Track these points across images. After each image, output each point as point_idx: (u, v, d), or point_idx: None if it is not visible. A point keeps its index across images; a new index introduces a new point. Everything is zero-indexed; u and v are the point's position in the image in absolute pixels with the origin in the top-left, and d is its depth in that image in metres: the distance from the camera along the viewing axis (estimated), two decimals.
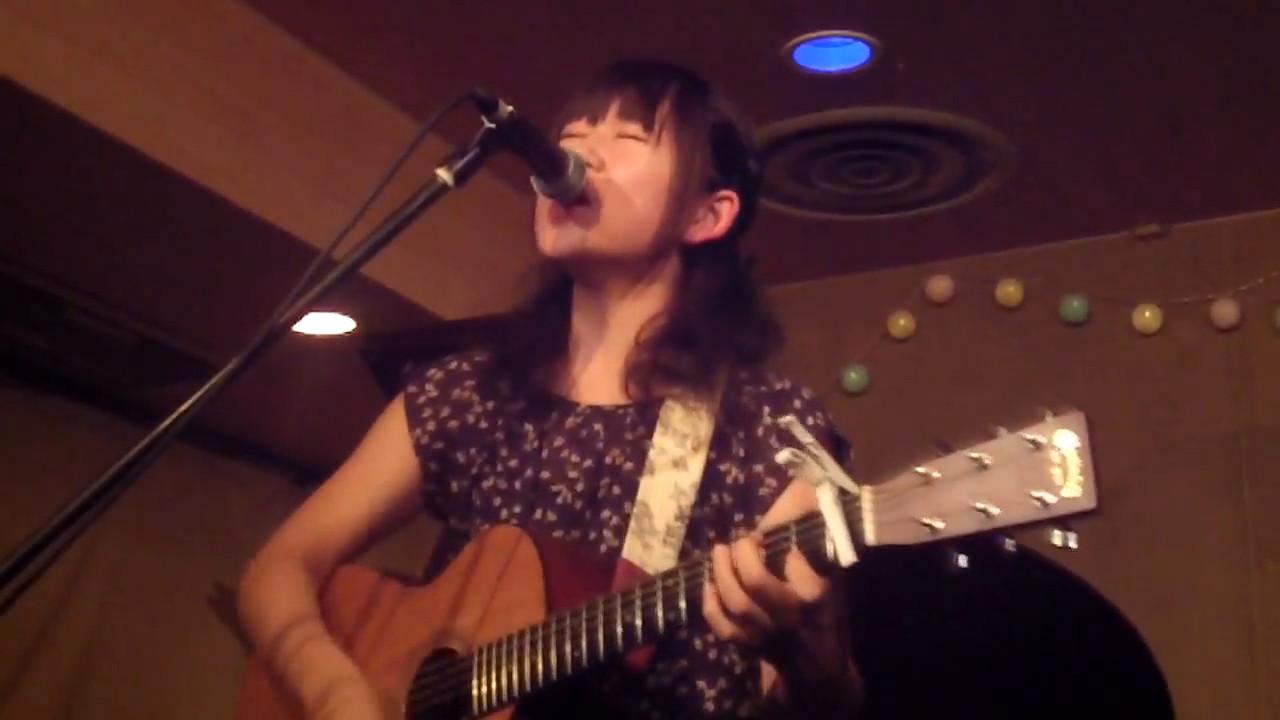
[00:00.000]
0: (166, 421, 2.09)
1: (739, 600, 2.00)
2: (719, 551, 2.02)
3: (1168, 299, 6.39)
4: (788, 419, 1.98)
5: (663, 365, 2.49)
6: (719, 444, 2.46)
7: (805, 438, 1.95)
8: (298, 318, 2.22)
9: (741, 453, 2.47)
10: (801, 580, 1.97)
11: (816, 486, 1.94)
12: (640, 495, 2.43)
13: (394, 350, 3.93)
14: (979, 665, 4.12)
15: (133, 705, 6.92)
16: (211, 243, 5.43)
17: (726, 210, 2.59)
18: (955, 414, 6.33)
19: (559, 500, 2.48)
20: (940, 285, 6.74)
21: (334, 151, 5.42)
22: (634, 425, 2.50)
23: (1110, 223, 6.45)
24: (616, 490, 2.46)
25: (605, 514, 2.45)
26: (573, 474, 2.49)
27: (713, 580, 2.03)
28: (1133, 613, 4.23)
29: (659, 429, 2.47)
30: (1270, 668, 5.95)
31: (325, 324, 5.98)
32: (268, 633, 2.56)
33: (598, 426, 2.52)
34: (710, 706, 2.41)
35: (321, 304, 2.25)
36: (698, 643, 2.42)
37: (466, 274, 5.76)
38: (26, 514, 2.19)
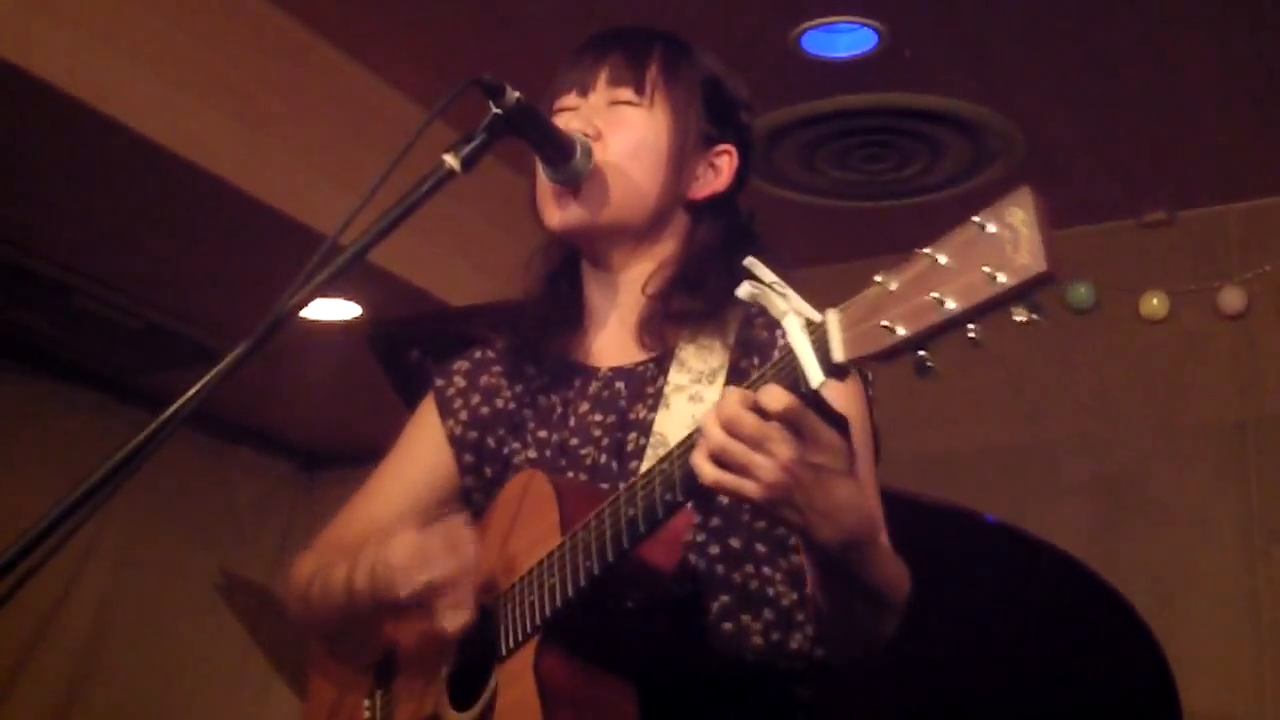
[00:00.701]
0: (173, 407, 2.10)
1: (718, 438, 1.95)
2: (707, 415, 1.98)
3: (1175, 286, 6.39)
4: (750, 260, 1.96)
5: (674, 311, 2.50)
6: (735, 376, 2.45)
7: (768, 275, 1.93)
8: (304, 303, 2.22)
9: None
10: (776, 400, 1.92)
11: (782, 319, 1.91)
12: (656, 428, 2.43)
13: (401, 337, 3.92)
14: (980, 653, 4.11)
15: (138, 691, 6.91)
16: (218, 229, 5.43)
17: (726, 164, 2.60)
18: (963, 402, 6.33)
19: (586, 460, 2.49)
20: None
21: (341, 138, 5.41)
22: (654, 377, 2.51)
23: (1117, 210, 6.44)
24: (642, 441, 2.45)
25: (633, 464, 2.44)
26: (597, 433, 2.50)
27: (706, 438, 1.98)
28: (1138, 600, 4.21)
29: (673, 369, 2.48)
30: (1276, 655, 5.95)
31: (332, 310, 5.98)
32: (301, 592, 2.58)
33: (619, 385, 2.53)
34: (759, 640, 2.39)
35: (328, 290, 2.25)
36: (736, 576, 2.41)
37: (474, 260, 5.76)
38: (32, 497, 2.20)
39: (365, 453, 2.83)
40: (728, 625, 2.39)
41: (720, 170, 2.60)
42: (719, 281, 2.49)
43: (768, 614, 2.41)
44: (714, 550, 2.40)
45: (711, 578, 2.40)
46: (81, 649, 6.73)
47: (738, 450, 1.95)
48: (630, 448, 2.46)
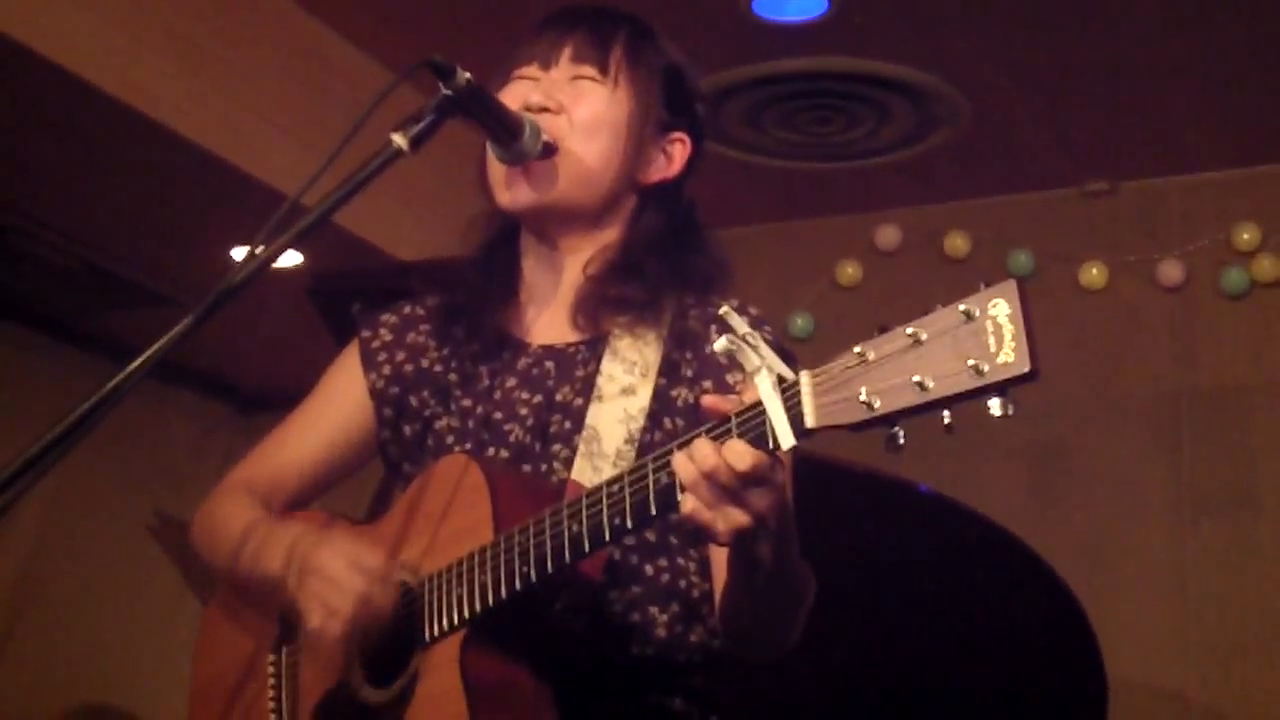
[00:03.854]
0: (131, 366, 2.11)
1: (699, 488, 1.97)
2: (679, 455, 1.99)
3: (1114, 257, 6.43)
4: (725, 309, 1.96)
5: (610, 296, 2.51)
6: (668, 370, 2.47)
7: (741, 327, 1.93)
8: (253, 277, 2.21)
9: (690, 374, 2.48)
10: (745, 460, 1.94)
11: (754, 374, 1.92)
12: (589, 421, 2.44)
13: (342, 290, 3.92)
14: (908, 623, 4.14)
15: (70, 633, 6.90)
16: (162, 175, 5.40)
17: (679, 152, 2.61)
18: None
19: (510, 438, 2.49)
20: (888, 235, 6.76)
21: (288, 88, 5.39)
22: (585, 362, 2.51)
23: (1060, 179, 6.48)
24: (567, 425, 2.46)
25: (556, 448, 2.46)
26: (523, 411, 2.50)
27: (680, 484, 2.00)
28: (1067, 568, 4.25)
29: (607, 357, 2.48)
30: (1202, 625, 6.01)
31: None
32: (225, 545, 2.57)
33: (549, 364, 2.54)
34: (662, 632, 2.42)
35: (273, 258, 2.24)
36: (649, 569, 2.44)
37: (418, 213, 5.74)
38: None
39: (303, 396, 2.83)
40: (635, 616, 2.42)
41: (673, 158, 2.61)
42: (659, 270, 2.51)
43: (675, 607, 2.44)
44: (630, 541, 2.42)
45: (626, 569, 2.42)
46: (11, 591, 6.71)
47: (714, 498, 1.98)
48: (554, 429, 2.47)
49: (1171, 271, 6.33)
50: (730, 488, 1.96)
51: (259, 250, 2.20)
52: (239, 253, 5.66)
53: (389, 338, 2.68)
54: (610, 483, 2.12)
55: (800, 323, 6.74)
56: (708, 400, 2.03)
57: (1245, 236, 6.25)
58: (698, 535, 2.36)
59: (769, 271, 6.72)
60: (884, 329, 1.85)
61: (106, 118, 4.91)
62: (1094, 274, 6.43)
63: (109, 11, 4.80)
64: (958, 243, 6.64)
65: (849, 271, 6.79)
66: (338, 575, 2.30)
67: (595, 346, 2.52)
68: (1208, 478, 6.15)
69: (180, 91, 5.03)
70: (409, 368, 2.64)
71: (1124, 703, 4.53)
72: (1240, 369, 6.22)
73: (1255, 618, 5.96)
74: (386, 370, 2.65)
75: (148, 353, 2.11)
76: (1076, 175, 6.45)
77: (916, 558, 4.07)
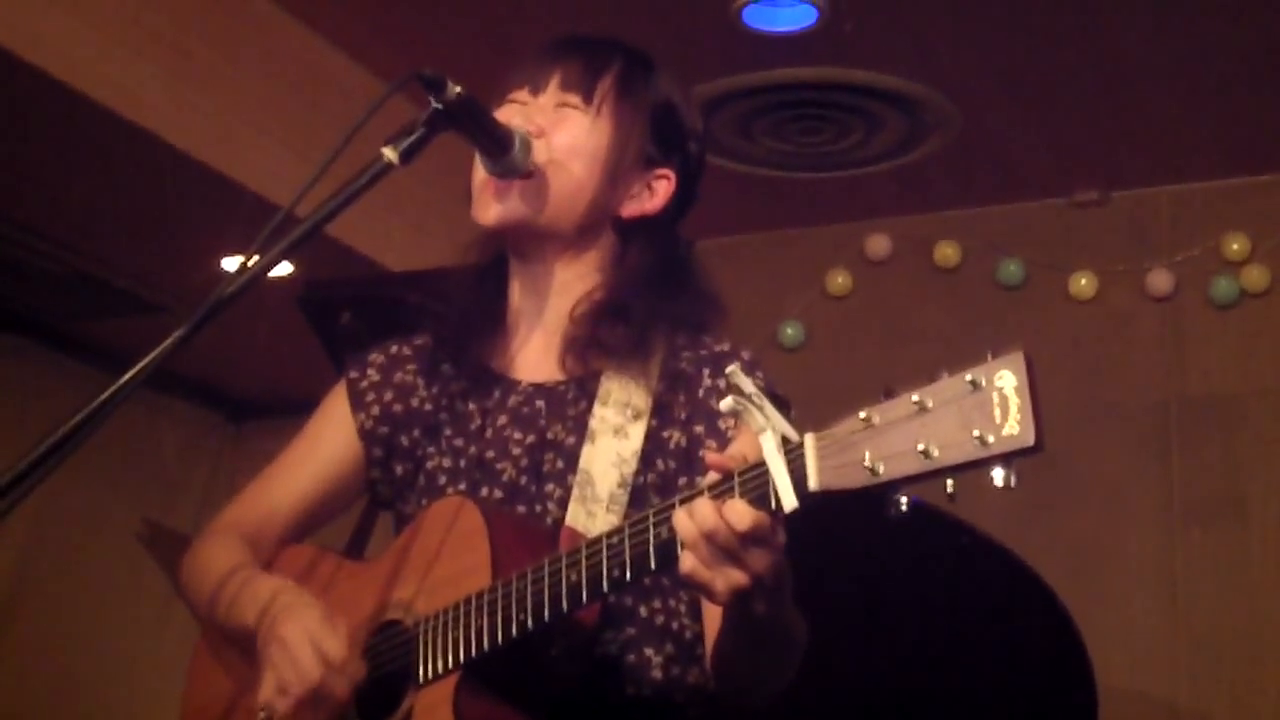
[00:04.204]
0: (126, 377, 2.11)
1: (699, 547, 1.97)
2: (679, 513, 2.00)
3: (1104, 266, 6.44)
4: (732, 368, 1.96)
5: (598, 340, 2.51)
6: (659, 411, 2.47)
7: (748, 387, 1.94)
8: (246, 288, 2.21)
9: (683, 416, 2.48)
10: (745, 521, 1.94)
11: (759, 434, 1.93)
12: (582, 464, 2.44)
13: (332, 299, 3.93)
14: (897, 634, 4.14)
15: (57, 641, 6.88)
16: (153, 183, 5.39)
17: (662, 188, 2.60)
18: (890, 373, 6.34)
19: (503, 477, 2.50)
20: (879, 244, 6.77)
21: (280, 97, 5.39)
22: (575, 400, 2.52)
23: (1050, 188, 6.49)
24: (560, 464, 2.47)
25: (549, 487, 2.46)
26: (516, 450, 2.51)
27: (682, 541, 2.00)
28: (1057, 576, 4.25)
29: (599, 400, 2.48)
30: (1191, 634, 6.02)
31: None
32: (206, 589, 2.57)
33: (540, 403, 2.54)
34: (658, 674, 2.43)
35: (264, 271, 2.24)
36: (643, 610, 2.44)
37: (409, 220, 5.74)
38: None
39: (293, 405, 2.85)
40: (631, 658, 2.42)
41: (655, 193, 2.59)
42: (646, 312, 2.51)
43: (669, 647, 2.44)
44: None
45: (621, 610, 2.43)
46: (1, 598, 6.69)
47: (713, 557, 1.98)
48: (548, 469, 2.48)
49: (1161, 281, 6.34)
50: (730, 548, 1.96)
51: (252, 261, 2.20)
52: (230, 262, 5.66)
53: (376, 378, 2.68)
54: (610, 534, 2.13)
55: (790, 332, 6.75)
56: (711, 459, 2.03)
57: (1235, 246, 6.26)
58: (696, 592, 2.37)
59: (759, 280, 6.72)
60: (889, 393, 1.87)
61: (98, 126, 4.90)
62: (1083, 284, 6.44)
63: (100, 19, 4.79)
64: (948, 252, 6.65)
65: (839, 281, 6.79)
66: (298, 655, 2.29)
67: (585, 385, 2.52)
68: (1197, 486, 6.15)
69: (172, 100, 5.02)
70: (398, 407, 2.64)
71: (1114, 710, 4.54)
72: (1230, 378, 6.23)
73: (1245, 625, 5.97)
74: (375, 410, 2.65)
75: (140, 364, 2.12)
76: (1066, 185, 6.46)
77: (904, 567, 4.07)
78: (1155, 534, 6.16)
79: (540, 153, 2.49)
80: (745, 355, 2.51)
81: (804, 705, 3.90)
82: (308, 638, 2.30)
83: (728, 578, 1.98)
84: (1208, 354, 6.28)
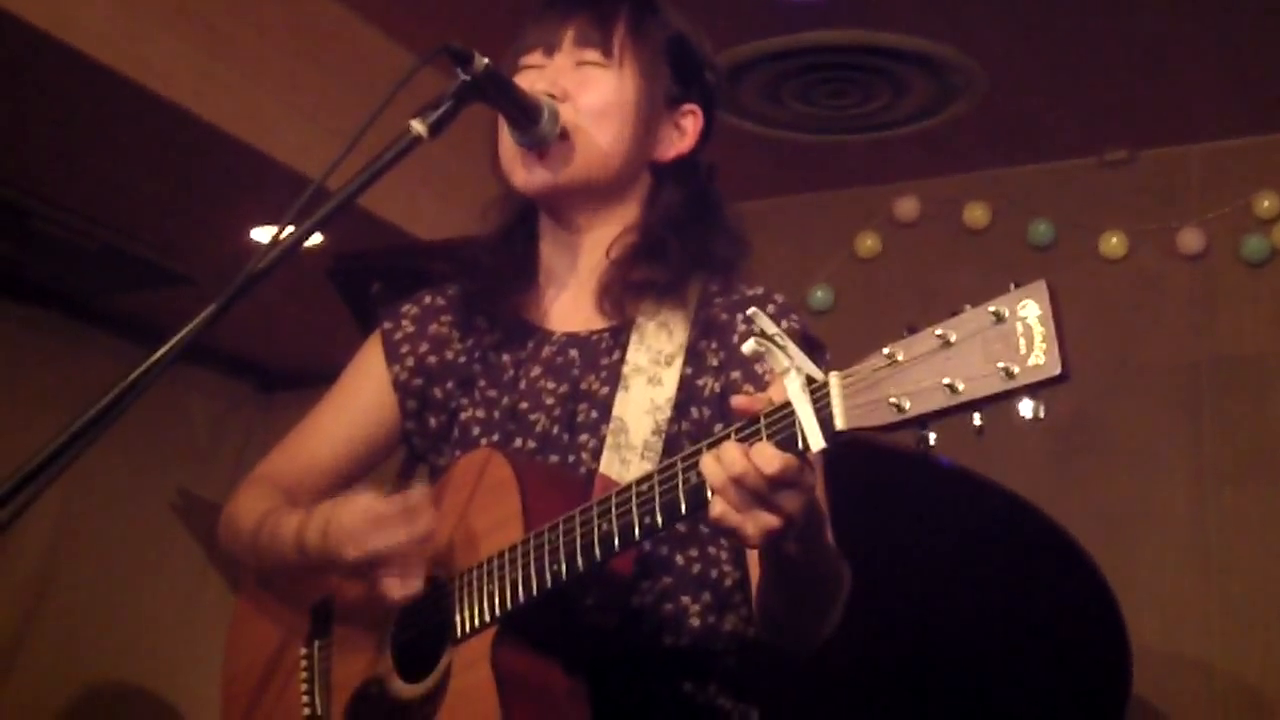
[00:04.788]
0: (160, 351, 2.12)
1: (727, 490, 1.96)
2: (707, 458, 1.98)
3: (1134, 225, 6.41)
4: (753, 310, 1.95)
5: (635, 281, 2.50)
6: (693, 358, 2.47)
7: (770, 328, 1.92)
8: (278, 262, 2.22)
9: (716, 363, 2.47)
10: (774, 464, 1.93)
11: (783, 375, 1.91)
12: (615, 411, 2.44)
13: (361, 270, 3.93)
14: (933, 595, 4.14)
15: (94, 613, 6.91)
16: (180, 156, 5.40)
17: (691, 125, 2.60)
18: None
19: (537, 428, 2.49)
20: (907, 206, 6.75)
21: (307, 69, 5.39)
22: (609, 350, 2.51)
23: (1079, 148, 6.46)
24: (594, 414, 2.46)
25: (583, 438, 2.46)
26: (549, 401, 2.50)
27: (711, 487, 1.99)
28: (1089, 538, 4.25)
29: (632, 346, 2.48)
30: (1225, 593, 6.01)
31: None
32: (246, 536, 2.57)
33: (573, 353, 2.53)
34: (695, 622, 2.43)
35: (297, 245, 2.25)
36: (679, 559, 2.44)
37: (437, 191, 5.73)
38: None
39: (323, 374, 2.84)
40: (668, 607, 2.42)
41: (685, 131, 2.59)
42: (681, 250, 2.50)
43: (706, 596, 2.44)
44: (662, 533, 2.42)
45: (657, 560, 2.43)
46: (36, 571, 6.71)
47: (743, 501, 1.96)
48: (581, 419, 2.47)
49: (1191, 240, 6.32)
50: (759, 491, 1.95)
51: (284, 235, 2.21)
52: (259, 233, 5.67)
53: (411, 329, 2.68)
54: (640, 481, 2.12)
55: (820, 295, 6.74)
56: (738, 401, 2.02)
57: (1265, 204, 6.23)
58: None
59: (788, 244, 6.71)
60: (912, 329, 1.84)
61: (124, 100, 4.91)
62: (1114, 243, 6.42)
63: None
64: (977, 213, 6.63)
65: (868, 243, 6.78)
66: (362, 527, 2.29)
67: (619, 334, 2.51)
68: (1228, 446, 6.14)
69: (198, 73, 5.03)
70: (432, 359, 2.64)
71: (1148, 671, 4.54)
72: (1261, 337, 6.20)
73: (1278, 584, 5.95)
74: (410, 362, 2.65)
75: (174, 339, 2.12)
76: (1095, 144, 6.44)
77: (937, 530, 4.08)
78: (1187, 494, 6.15)
79: (568, 115, 2.48)
80: (778, 299, 2.50)
81: (839, 667, 3.91)
82: (367, 507, 2.30)
83: (758, 521, 1.97)
84: (1239, 313, 6.25)
